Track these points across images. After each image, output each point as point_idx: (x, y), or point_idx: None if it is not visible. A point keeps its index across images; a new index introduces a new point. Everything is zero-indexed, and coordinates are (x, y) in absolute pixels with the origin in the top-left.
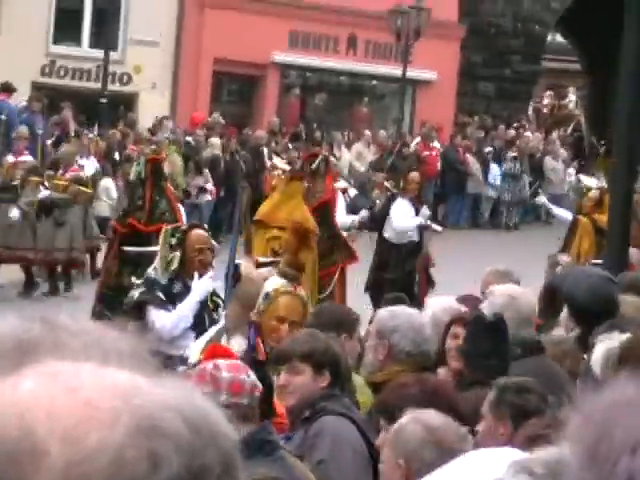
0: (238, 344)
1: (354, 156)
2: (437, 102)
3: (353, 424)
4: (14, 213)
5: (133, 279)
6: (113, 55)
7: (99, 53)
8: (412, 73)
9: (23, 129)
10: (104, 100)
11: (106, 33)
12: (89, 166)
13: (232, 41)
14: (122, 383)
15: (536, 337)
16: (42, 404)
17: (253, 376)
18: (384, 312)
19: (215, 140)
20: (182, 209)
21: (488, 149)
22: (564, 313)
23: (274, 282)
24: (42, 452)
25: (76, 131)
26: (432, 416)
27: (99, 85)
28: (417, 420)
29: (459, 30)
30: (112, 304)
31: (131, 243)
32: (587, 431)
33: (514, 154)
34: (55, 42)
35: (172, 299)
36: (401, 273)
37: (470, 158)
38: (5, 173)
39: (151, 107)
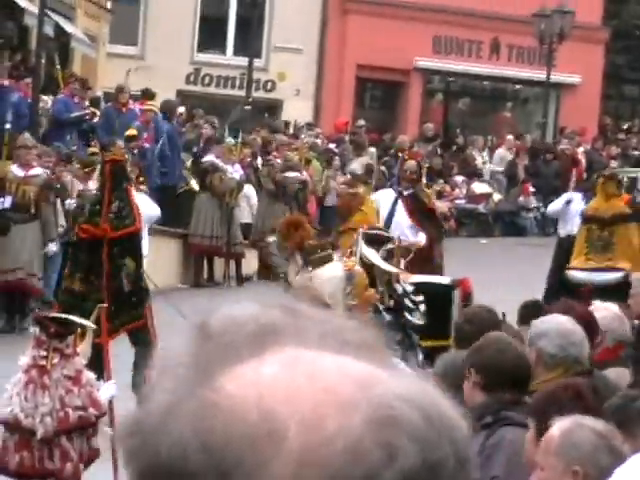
0: None
1: (497, 161)
2: (581, 106)
3: None
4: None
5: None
6: (257, 62)
7: (243, 61)
8: (556, 77)
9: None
10: (248, 107)
11: (250, 41)
12: (235, 173)
13: (375, 47)
14: (360, 372)
15: None
16: (282, 388)
17: None
18: (536, 321)
19: (372, 150)
20: (145, 210)
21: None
22: None
23: None
24: (281, 435)
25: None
26: (594, 421)
27: (243, 92)
28: (582, 425)
29: (603, 33)
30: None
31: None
32: None
33: None
34: (200, 50)
35: None
36: None
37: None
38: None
39: (295, 114)
